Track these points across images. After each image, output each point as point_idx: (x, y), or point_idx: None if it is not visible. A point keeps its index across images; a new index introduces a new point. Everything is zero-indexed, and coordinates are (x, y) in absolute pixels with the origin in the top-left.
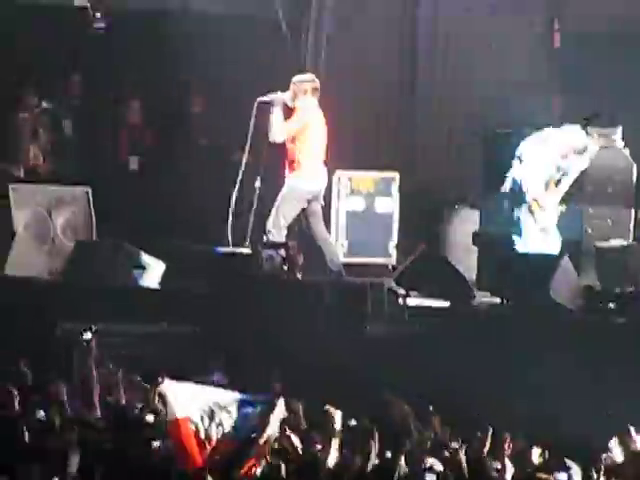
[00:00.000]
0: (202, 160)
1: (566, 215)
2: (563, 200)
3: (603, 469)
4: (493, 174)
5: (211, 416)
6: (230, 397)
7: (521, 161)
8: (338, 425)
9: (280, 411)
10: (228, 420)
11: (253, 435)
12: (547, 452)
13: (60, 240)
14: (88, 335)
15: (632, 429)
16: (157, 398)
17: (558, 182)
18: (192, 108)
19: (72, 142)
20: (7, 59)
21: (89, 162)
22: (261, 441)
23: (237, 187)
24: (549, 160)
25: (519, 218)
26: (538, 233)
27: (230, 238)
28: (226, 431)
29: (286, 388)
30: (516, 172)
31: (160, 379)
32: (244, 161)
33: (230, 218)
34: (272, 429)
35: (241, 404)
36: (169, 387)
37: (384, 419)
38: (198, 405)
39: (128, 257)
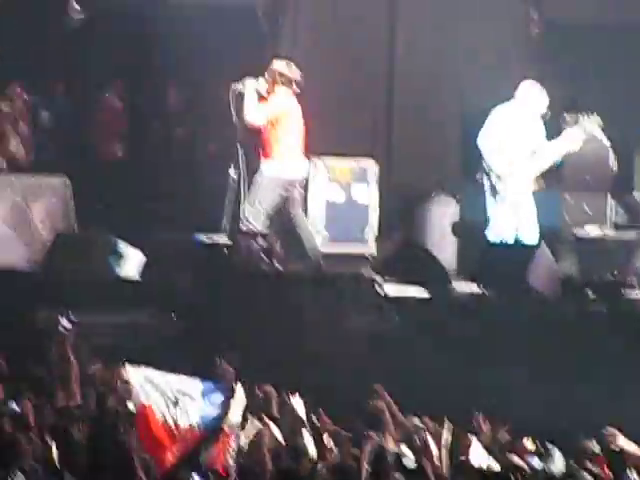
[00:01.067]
0: (179, 149)
1: (544, 202)
2: (540, 187)
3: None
4: (472, 161)
5: (176, 403)
6: (193, 385)
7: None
8: (302, 414)
9: (240, 397)
10: (193, 408)
11: (218, 422)
12: (537, 441)
13: (39, 231)
14: (66, 324)
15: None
16: (120, 385)
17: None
18: (169, 98)
19: (52, 133)
20: None
21: (69, 153)
22: (225, 428)
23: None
24: (518, 133)
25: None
26: (508, 216)
27: (227, 227)
28: (192, 419)
29: (259, 377)
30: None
31: (123, 366)
32: (240, 152)
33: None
34: (234, 416)
35: (205, 391)
36: (132, 374)
37: (361, 410)
38: (162, 392)
39: (107, 247)
